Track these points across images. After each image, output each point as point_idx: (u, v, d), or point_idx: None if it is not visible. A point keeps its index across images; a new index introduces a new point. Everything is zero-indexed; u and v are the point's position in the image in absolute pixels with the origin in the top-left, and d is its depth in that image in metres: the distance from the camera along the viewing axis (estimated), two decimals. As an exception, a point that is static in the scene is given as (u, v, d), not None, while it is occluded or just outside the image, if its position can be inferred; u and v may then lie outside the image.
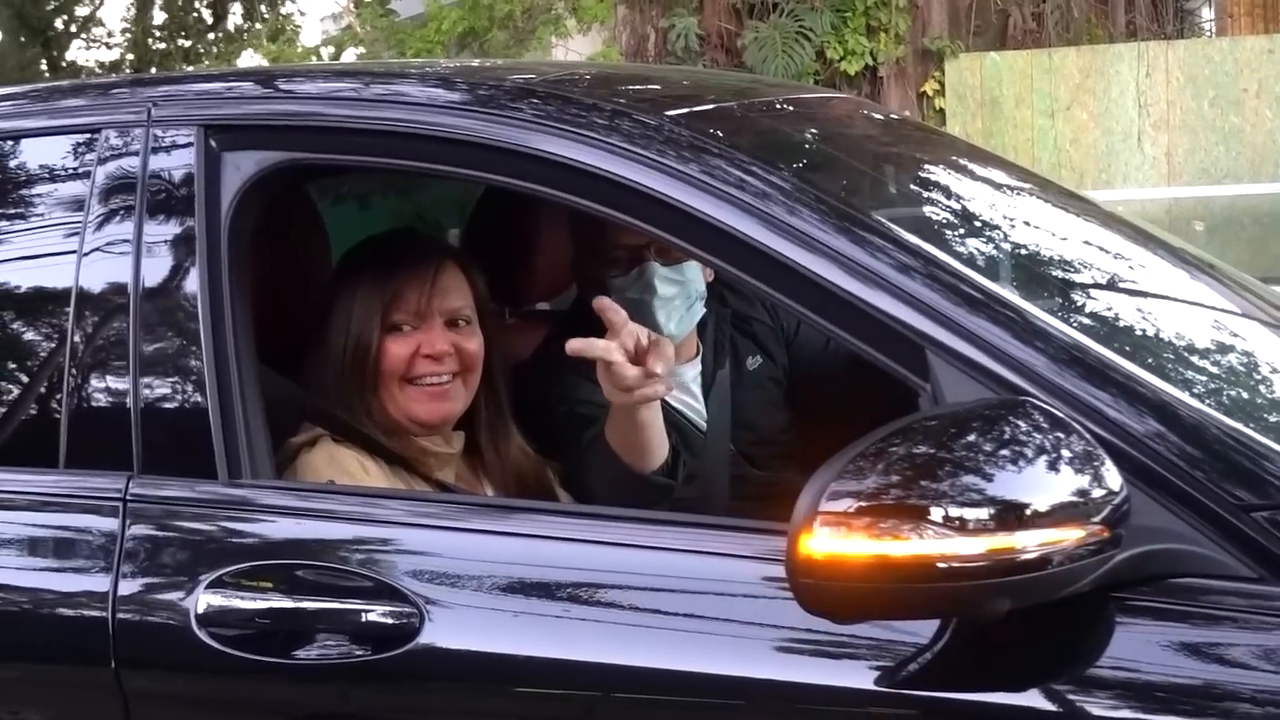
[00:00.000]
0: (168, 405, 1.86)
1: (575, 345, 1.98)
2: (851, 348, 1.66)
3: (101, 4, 19.85)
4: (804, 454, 2.38)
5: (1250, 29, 11.95)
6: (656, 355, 1.97)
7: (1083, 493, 1.43)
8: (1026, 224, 2.18)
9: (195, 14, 19.19)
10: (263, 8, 18.15)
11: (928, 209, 2.11)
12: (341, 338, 2.09)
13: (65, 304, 1.92)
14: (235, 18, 19.16)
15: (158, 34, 19.16)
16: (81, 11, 19.77)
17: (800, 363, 2.58)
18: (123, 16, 19.79)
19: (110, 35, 19.88)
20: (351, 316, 2.09)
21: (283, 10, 18.23)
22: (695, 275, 2.35)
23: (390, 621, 1.68)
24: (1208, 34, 12.83)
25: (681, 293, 2.33)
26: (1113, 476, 1.45)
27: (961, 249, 1.91)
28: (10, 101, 2.21)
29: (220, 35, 19.08)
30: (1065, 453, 1.44)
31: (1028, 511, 1.40)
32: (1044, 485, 1.42)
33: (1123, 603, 1.49)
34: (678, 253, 2.22)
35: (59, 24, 19.45)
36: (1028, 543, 1.39)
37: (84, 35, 19.87)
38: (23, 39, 18.76)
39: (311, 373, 2.11)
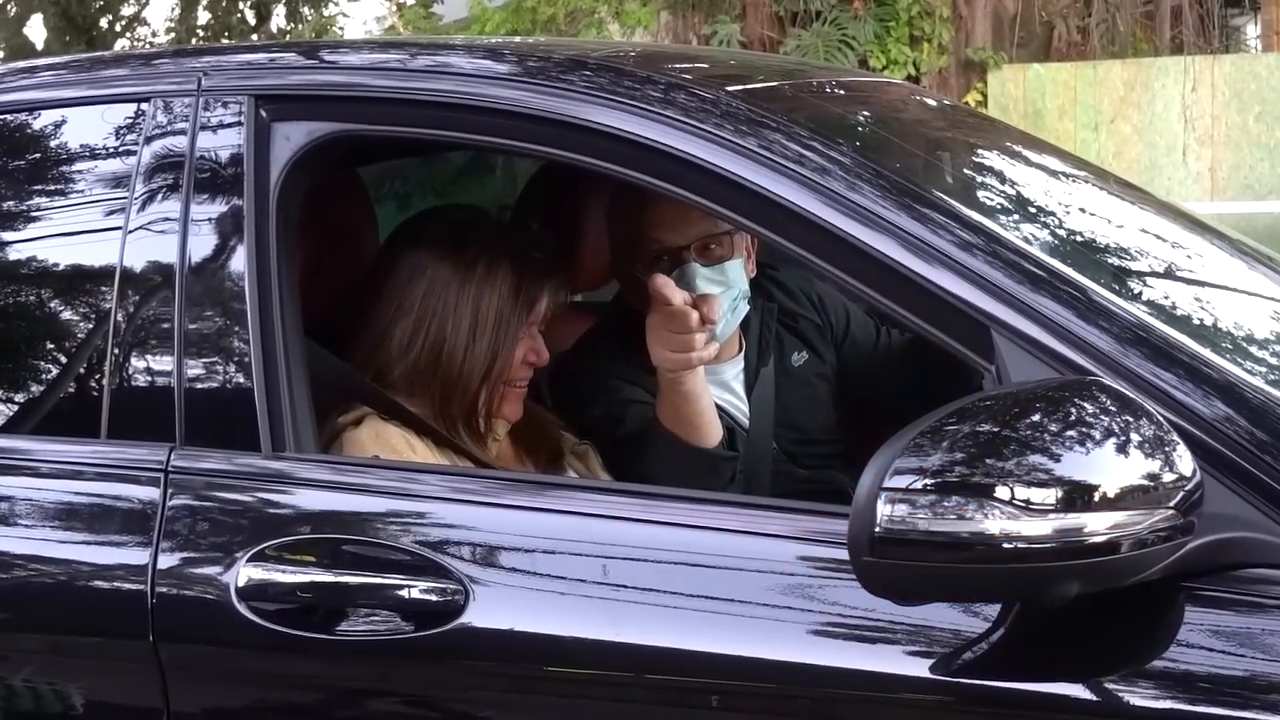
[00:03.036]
0: (212, 375, 1.83)
1: (660, 280, 2.02)
2: (912, 326, 1.62)
3: (147, 4, 19.98)
4: (849, 454, 2.34)
5: (1297, 45, 11.84)
6: (710, 309, 2.04)
7: (1154, 476, 1.38)
8: (1084, 209, 2.14)
9: (239, 15, 19.29)
10: (306, 9, 18.24)
11: (985, 191, 2.06)
12: (465, 336, 2.03)
13: (113, 264, 1.89)
14: (279, 19, 19.25)
15: (202, 34, 19.27)
16: (127, 11, 19.91)
17: (850, 361, 2.54)
18: (167, 16, 19.93)
19: (155, 35, 20.01)
20: (485, 317, 2.04)
21: (326, 11, 18.32)
22: (738, 275, 2.30)
23: (434, 598, 1.65)
24: (1253, 50, 12.73)
25: (724, 294, 2.27)
26: (1185, 461, 1.40)
27: (1021, 229, 1.87)
28: (54, 71, 2.20)
29: (264, 36, 19.17)
30: (1135, 435, 1.40)
31: (1096, 494, 1.36)
32: (1113, 467, 1.37)
33: (1193, 592, 1.44)
34: (735, 228, 2.18)
35: (104, 23, 19.59)
36: (1097, 525, 1.35)
37: (129, 34, 20.00)
38: (68, 38, 18.88)
39: (366, 351, 2.07)
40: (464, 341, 2.04)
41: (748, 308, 2.35)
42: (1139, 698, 1.43)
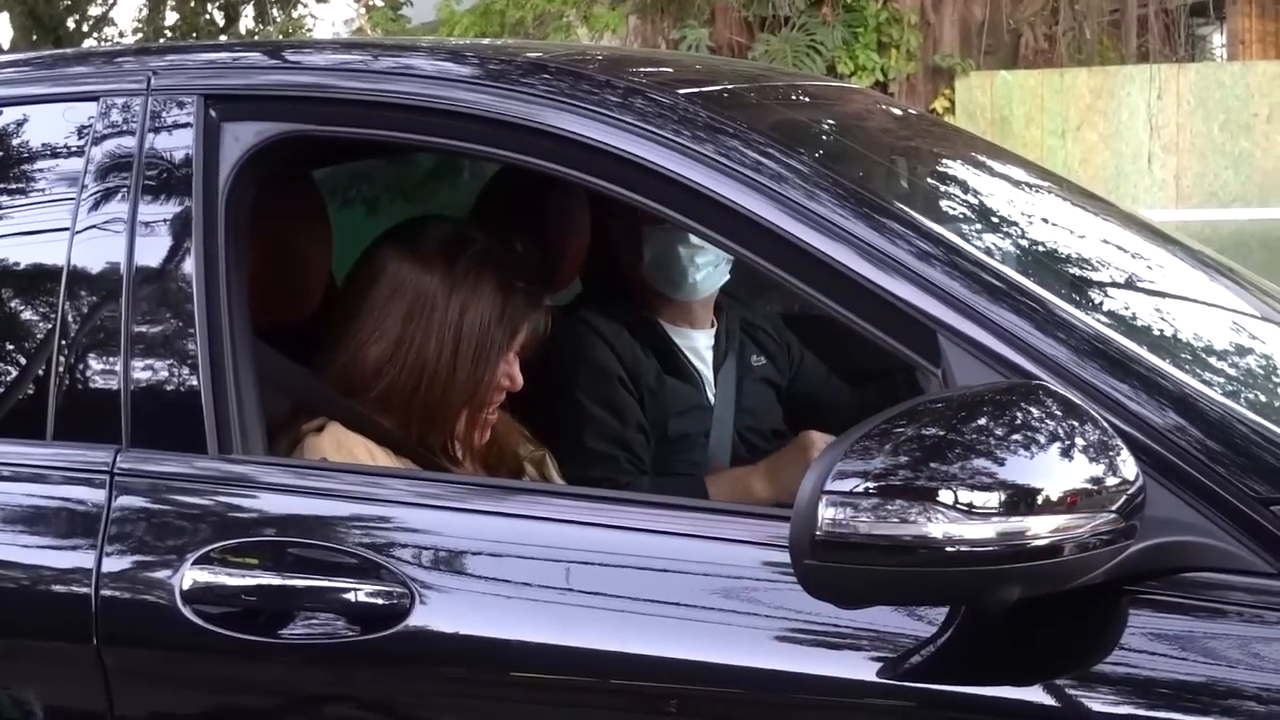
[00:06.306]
0: (159, 377, 1.81)
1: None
2: (868, 335, 1.61)
3: (114, 4, 19.88)
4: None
5: (1261, 54, 11.94)
6: None
7: (1097, 480, 1.38)
8: (1046, 219, 2.15)
9: (207, 16, 19.22)
10: (275, 10, 18.20)
11: (946, 200, 2.07)
12: (447, 362, 1.98)
13: (60, 265, 1.87)
14: (247, 20, 19.19)
15: (170, 34, 19.18)
16: (94, 11, 19.80)
17: (799, 395, 2.61)
18: (134, 17, 19.85)
19: (122, 35, 19.92)
20: (468, 344, 1.99)
21: (294, 13, 18.27)
22: None
23: (380, 601, 1.63)
24: (1219, 59, 12.83)
25: (710, 254, 2.35)
26: (1128, 465, 1.41)
27: (981, 239, 1.87)
28: (14, 68, 2.18)
29: (232, 37, 19.09)
30: (1079, 440, 1.40)
31: (1039, 497, 1.36)
32: (1057, 471, 1.37)
33: (1135, 596, 1.45)
34: (689, 232, 2.18)
35: (71, 23, 19.48)
36: (1039, 529, 1.35)
37: (96, 34, 19.89)
38: (35, 37, 18.77)
39: (340, 369, 2.01)
40: (446, 367, 1.99)
41: (728, 274, 2.41)
42: (1086, 700, 1.43)
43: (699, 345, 2.46)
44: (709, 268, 2.38)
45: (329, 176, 2.51)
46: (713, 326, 2.49)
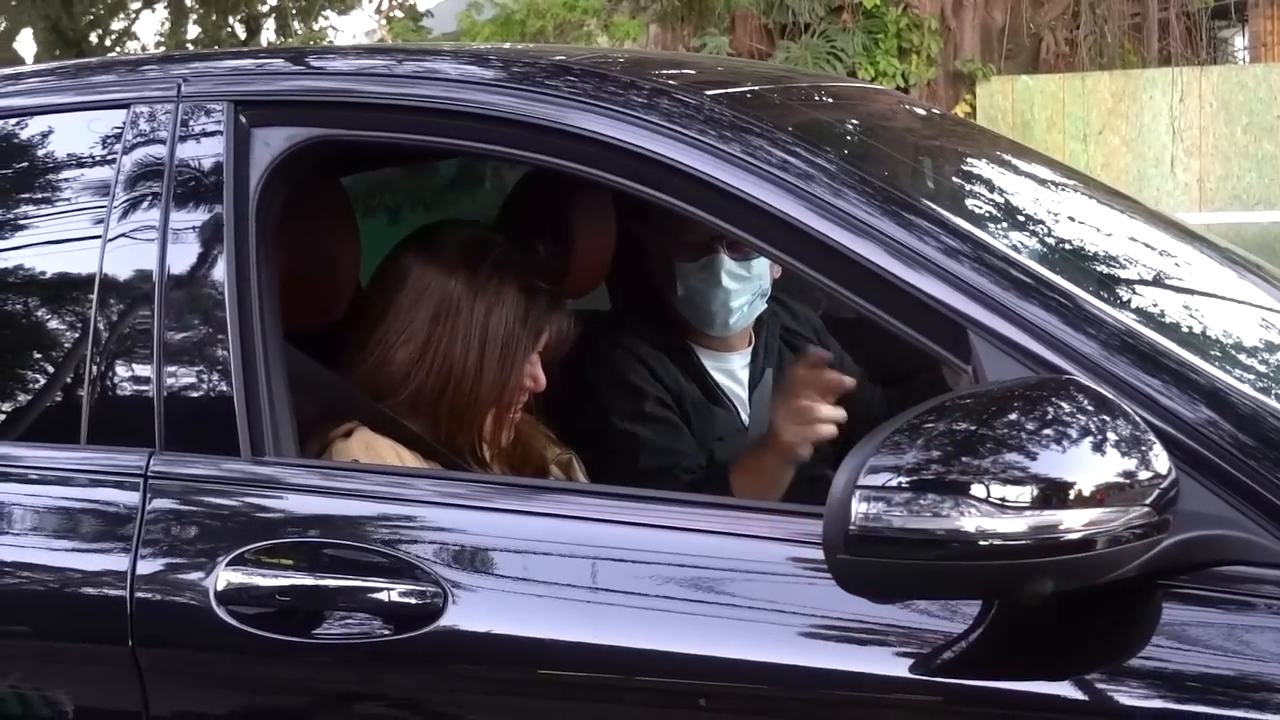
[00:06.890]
0: (191, 381, 1.83)
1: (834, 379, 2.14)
2: (897, 332, 1.62)
3: (137, 18, 20.01)
4: (831, 462, 2.35)
5: (1284, 56, 11.91)
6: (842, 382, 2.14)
7: (1129, 475, 1.38)
8: (1073, 217, 2.15)
9: (229, 29, 19.31)
10: (296, 23, 18.29)
11: (973, 197, 2.07)
12: (474, 363, 2.01)
13: (93, 271, 1.89)
14: (268, 33, 19.28)
15: (191, 48, 19.29)
16: (117, 25, 19.93)
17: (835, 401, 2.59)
18: (157, 31, 19.96)
19: (144, 49, 20.04)
20: (493, 345, 2.01)
21: (315, 25, 18.36)
22: (762, 271, 2.35)
23: (413, 601, 1.64)
24: (1241, 61, 12.79)
25: (746, 287, 2.34)
26: (1161, 460, 1.41)
27: (1009, 236, 1.87)
28: (40, 78, 2.20)
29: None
30: (1111, 434, 1.40)
31: (1072, 491, 1.36)
32: (1089, 466, 1.38)
33: (1168, 590, 1.45)
34: (730, 237, 2.19)
35: (94, 37, 19.60)
36: (1073, 523, 1.35)
37: (119, 49, 20.00)
38: (58, 51, 18.89)
39: (367, 373, 2.04)
40: (473, 369, 2.02)
41: (764, 305, 2.41)
42: (1119, 695, 1.44)
43: (734, 367, 2.44)
44: (742, 309, 2.36)
45: (350, 186, 2.53)
46: (749, 344, 2.47)
